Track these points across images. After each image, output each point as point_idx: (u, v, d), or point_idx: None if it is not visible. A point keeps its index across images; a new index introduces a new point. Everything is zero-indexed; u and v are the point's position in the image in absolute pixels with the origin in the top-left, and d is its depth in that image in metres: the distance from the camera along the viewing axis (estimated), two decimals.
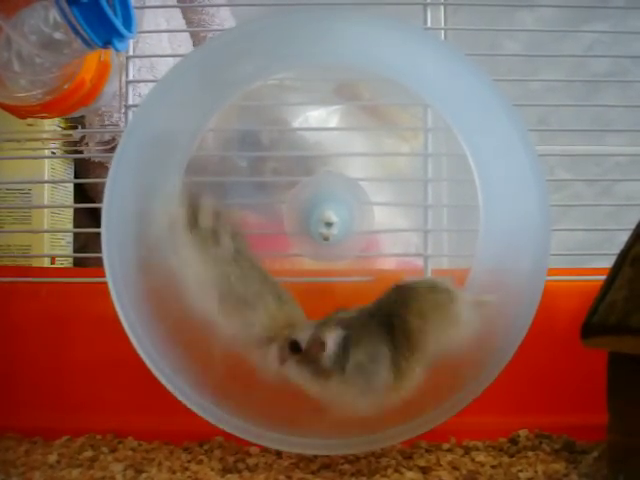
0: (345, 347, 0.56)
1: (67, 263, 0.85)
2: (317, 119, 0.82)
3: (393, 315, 0.57)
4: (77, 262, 0.85)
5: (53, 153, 0.83)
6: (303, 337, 0.57)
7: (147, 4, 0.82)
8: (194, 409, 0.60)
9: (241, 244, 0.61)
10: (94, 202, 0.87)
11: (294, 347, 0.57)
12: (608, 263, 0.54)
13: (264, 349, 0.58)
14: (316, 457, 0.62)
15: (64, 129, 0.84)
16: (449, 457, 0.62)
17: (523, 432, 0.67)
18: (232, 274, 0.59)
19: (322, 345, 0.55)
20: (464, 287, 0.64)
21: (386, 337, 0.57)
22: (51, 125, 0.82)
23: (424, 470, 0.60)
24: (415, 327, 0.57)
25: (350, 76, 0.84)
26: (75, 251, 0.87)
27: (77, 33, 0.55)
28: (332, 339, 0.55)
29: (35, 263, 0.82)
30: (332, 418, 0.57)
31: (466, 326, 0.58)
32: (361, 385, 0.56)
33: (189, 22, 1.01)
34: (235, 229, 0.62)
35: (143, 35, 0.82)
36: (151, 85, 0.67)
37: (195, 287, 0.60)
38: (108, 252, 0.60)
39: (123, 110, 0.75)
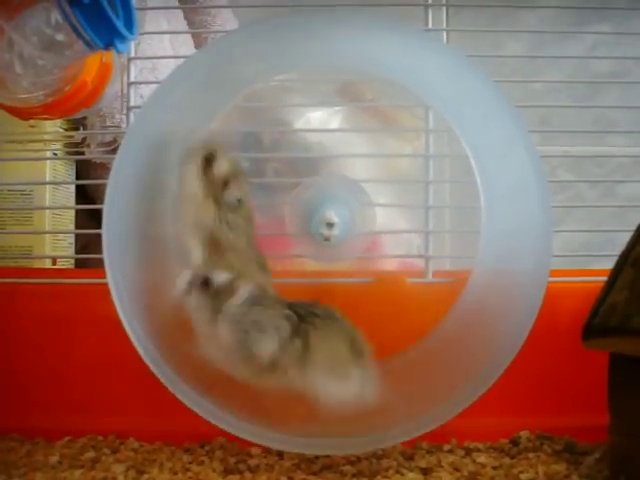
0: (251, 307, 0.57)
1: (68, 264, 0.85)
2: (319, 120, 0.82)
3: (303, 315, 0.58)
4: (79, 263, 0.85)
5: (55, 154, 0.83)
6: (219, 279, 0.58)
7: (149, 5, 0.82)
8: (195, 409, 0.60)
9: (244, 204, 0.61)
10: (95, 203, 0.87)
11: (204, 283, 0.58)
12: (610, 264, 0.54)
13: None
14: (317, 458, 0.62)
15: (66, 130, 0.84)
16: (450, 458, 0.62)
17: (524, 433, 0.67)
18: (224, 226, 0.60)
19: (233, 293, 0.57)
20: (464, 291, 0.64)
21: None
22: (53, 126, 0.82)
23: (425, 471, 0.60)
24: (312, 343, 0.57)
25: (352, 77, 0.85)
26: (76, 252, 0.87)
27: (79, 34, 0.55)
28: (245, 291, 0.57)
29: (36, 264, 0.82)
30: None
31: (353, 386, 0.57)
32: (243, 351, 0.57)
33: (191, 23, 1.01)
34: (243, 187, 0.61)
35: (145, 36, 0.82)
36: (153, 86, 0.67)
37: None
38: (109, 253, 0.60)
39: (125, 111, 0.75)
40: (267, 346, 0.57)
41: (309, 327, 0.57)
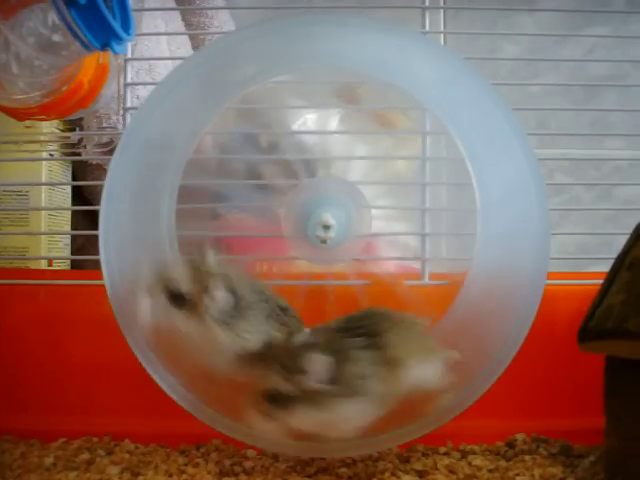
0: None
1: (64, 265, 0.85)
2: (316, 122, 0.82)
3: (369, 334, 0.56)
4: (74, 264, 0.85)
5: (51, 155, 0.83)
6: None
7: (146, 7, 0.82)
8: (190, 411, 0.60)
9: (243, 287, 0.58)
10: (92, 204, 0.87)
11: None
12: (607, 267, 0.54)
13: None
14: (313, 460, 0.62)
15: (62, 131, 0.84)
16: (446, 461, 0.62)
17: (520, 436, 0.67)
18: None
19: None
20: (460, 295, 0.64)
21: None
22: (49, 127, 0.82)
23: (421, 474, 0.60)
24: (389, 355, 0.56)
25: (349, 79, 0.84)
26: (72, 253, 0.87)
27: (75, 36, 0.55)
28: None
29: (32, 265, 0.82)
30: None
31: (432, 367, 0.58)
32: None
33: (188, 24, 1.01)
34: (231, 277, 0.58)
35: (142, 37, 0.82)
36: (149, 88, 0.67)
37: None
38: (106, 254, 0.60)
39: (121, 112, 0.75)
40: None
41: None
